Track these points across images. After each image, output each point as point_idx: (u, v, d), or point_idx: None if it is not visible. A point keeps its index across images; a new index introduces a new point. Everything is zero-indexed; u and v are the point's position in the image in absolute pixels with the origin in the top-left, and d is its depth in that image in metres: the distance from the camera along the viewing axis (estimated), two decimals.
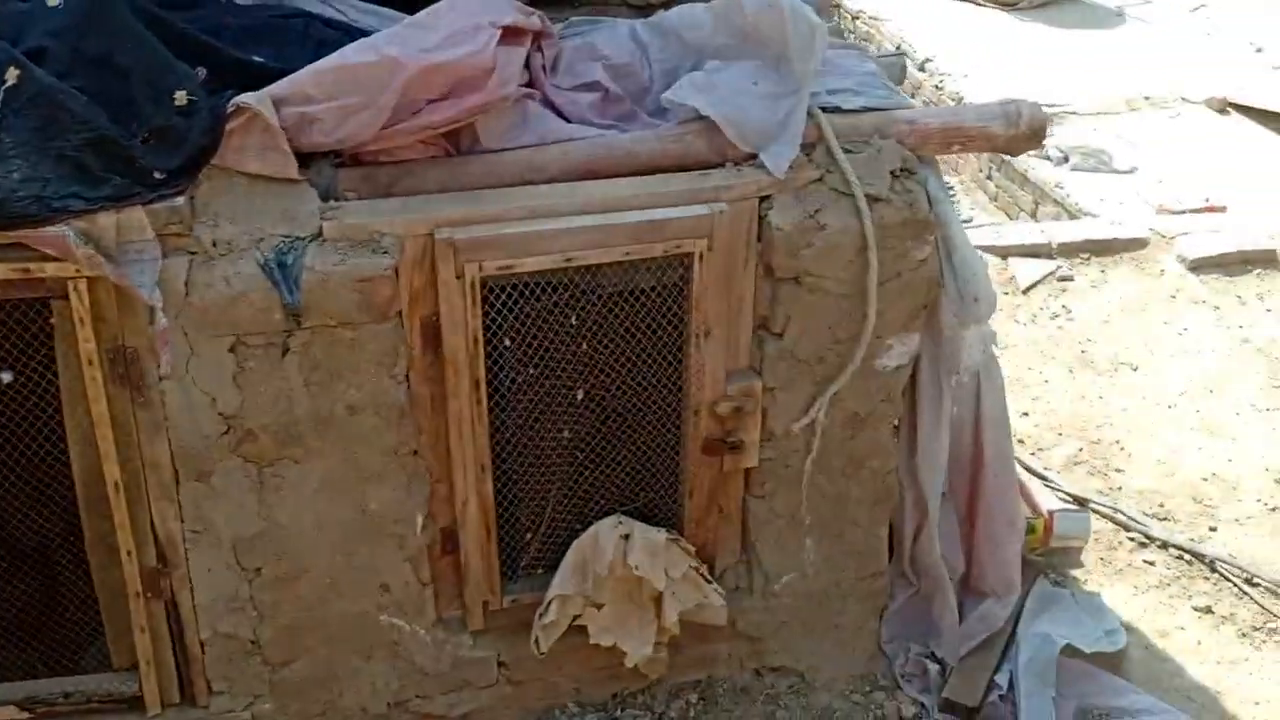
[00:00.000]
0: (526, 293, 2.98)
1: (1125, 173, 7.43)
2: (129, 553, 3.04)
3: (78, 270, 2.67)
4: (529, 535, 3.28)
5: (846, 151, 3.09)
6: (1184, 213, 6.46)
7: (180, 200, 2.74)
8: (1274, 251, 5.87)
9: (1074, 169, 7.42)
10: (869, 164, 3.09)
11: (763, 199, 3.08)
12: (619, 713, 3.62)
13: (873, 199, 3.06)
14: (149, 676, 3.22)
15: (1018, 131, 3.20)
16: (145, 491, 3.00)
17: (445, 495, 3.24)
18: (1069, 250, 6.03)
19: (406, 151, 2.99)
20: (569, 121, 3.13)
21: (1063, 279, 5.91)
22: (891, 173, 3.10)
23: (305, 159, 2.91)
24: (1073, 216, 6.88)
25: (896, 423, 3.46)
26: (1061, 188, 7.18)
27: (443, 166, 3.01)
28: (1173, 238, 5.95)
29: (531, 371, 3.05)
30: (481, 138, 3.02)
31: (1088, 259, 5.92)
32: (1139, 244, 5.95)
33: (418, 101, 2.89)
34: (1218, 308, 5.59)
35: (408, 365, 3.02)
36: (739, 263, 3.12)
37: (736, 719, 3.62)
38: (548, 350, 3.05)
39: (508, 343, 2.99)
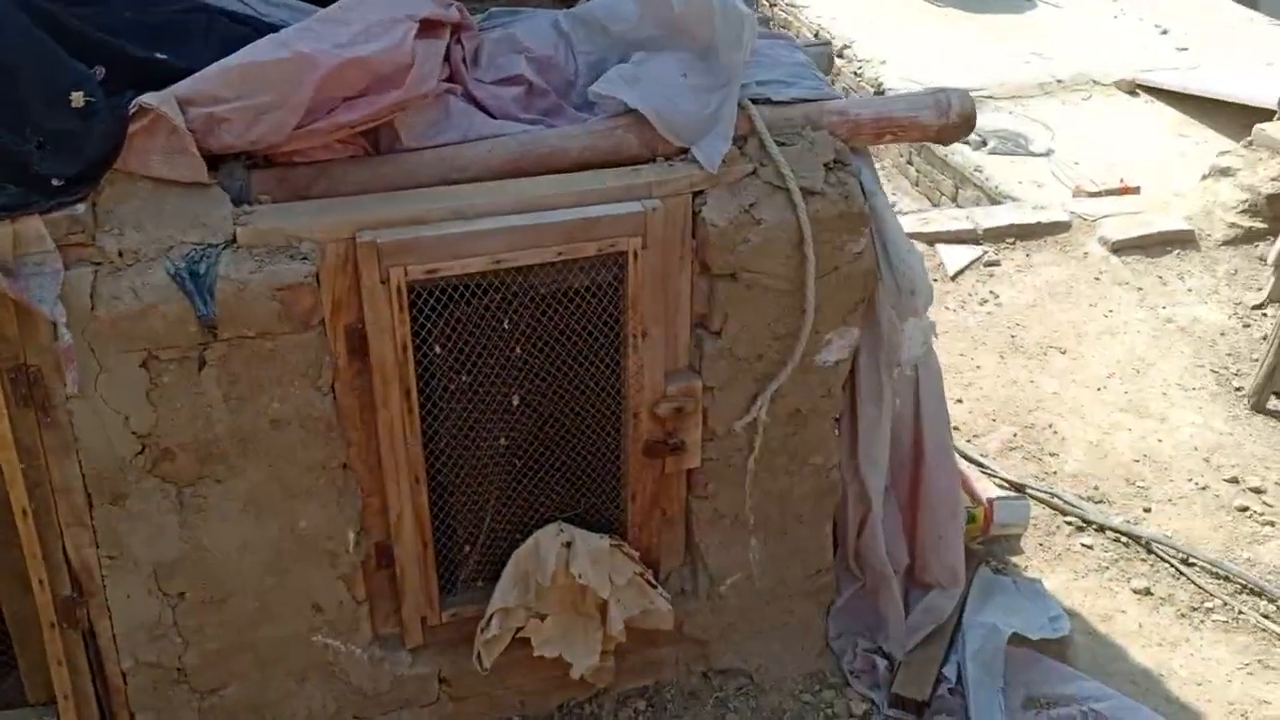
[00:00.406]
0: (455, 297, 2.86)
1: (1042, 155, 7.53)
2: (40, 582, 2.86)
3: None
4: (467, 548, 3.17)
5: (779, 144, 3.02)
6: (1100, 194, 6.54)
7: (81, 208, 2.57)
8: (1191, 232, 5.94)
9: (992, 152, 7.49)
10: (802, 156, 3.03)
11: (696, 194, 3.00)
12: None
13: (807, 192, 3.00)
14: (68, 711, 3.05)
15: (948, 121, 3.16)
16: (56, 517, 2.83)
17: (378, 508, 3.11)
18: (994, 235, 6.06)
19: (323, 152, 2.85)
20: (493, 117, 3.02)
21: (989, 264, 5.93)
22: (825, 165, 3.04)
23: (215, 161, 2.76)
24: (993, 200, 6.93)
25: (837, 417, 3.40)
26: (981, 171, 7.24)
27: (362, 167, 2.88)
28: (1095, 220, 6.00)
29: (464, 378, 2.94)
30: (402, 136, 2.90)
31: (1013, 243, 5.95)
32: (1062, 227, 5.99)
33: (333, 99, 2.75)
34: (1141, 289, 5.65)
35: (333, 375, 2.89)
36: (674, 260, 3.04)
37: None
38: (480, 356, 2.94)
39: (438, 350, 2.87)
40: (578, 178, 2.94)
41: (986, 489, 4.20)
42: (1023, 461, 4.64)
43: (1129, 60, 8.78)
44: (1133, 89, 8.47)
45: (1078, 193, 6.65)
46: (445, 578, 3.25)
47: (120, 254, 2.62)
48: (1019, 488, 4.46)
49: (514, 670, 3.35)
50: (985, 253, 5.97)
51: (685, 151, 3.01)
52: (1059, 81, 8.56)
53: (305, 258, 2.71)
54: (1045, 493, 4.44)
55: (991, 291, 5.72)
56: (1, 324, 2.58)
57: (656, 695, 3.61)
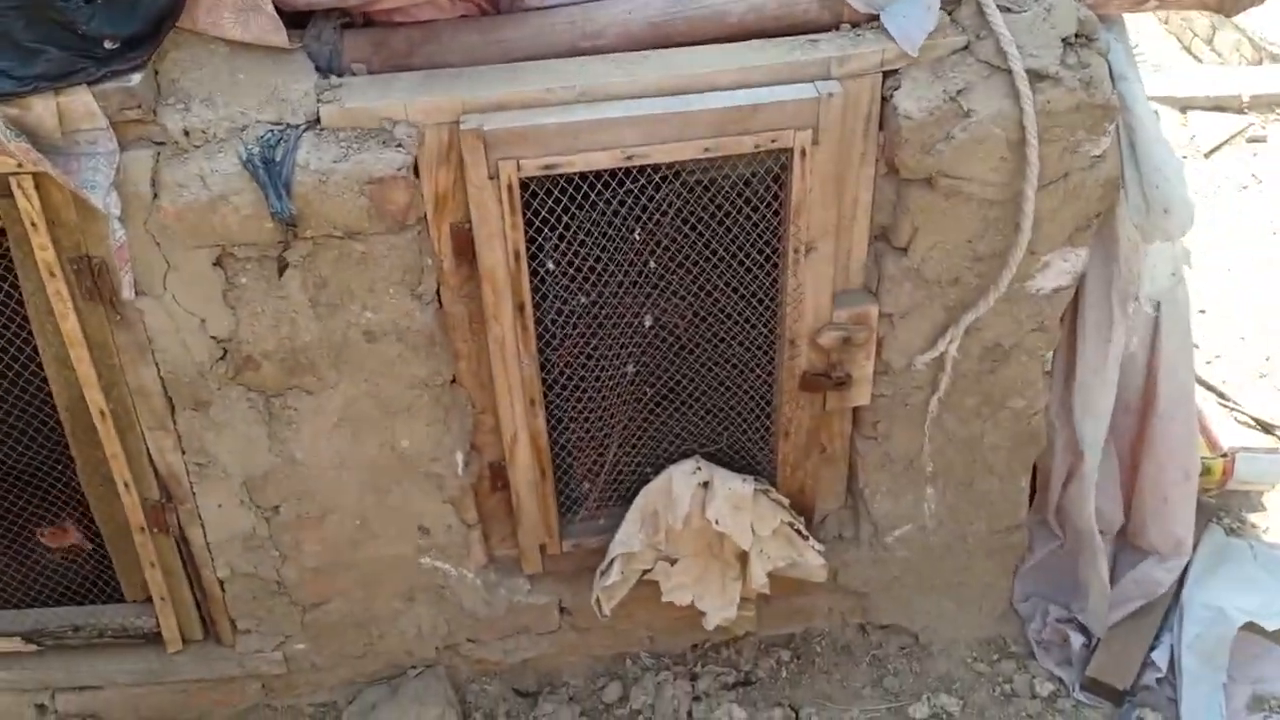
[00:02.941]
0: (578, 198, 2.36)
1: None
2: (125, 485, 2.63)
3: (19, 165, 2.15)
4: (587, 485, 2.75)
5: (1003, 10, 2.33)
6: None
7: (138, 77, 2.17)
8: None
9: None
10: (1033, 28, 2.33)
11: (887, 74, 2.36)
12: (699, 668, 3.15)
13: (1037, 76, 2.31)
14: (165, 613, 2.86)
15: None
16: (137, 420, 2.56)
17: (492, 426, 2.72)
18: (1262, 104, 5.03)
19: (430, 9, 2.36)
20: None
21: (1254, 140, 4.95)
22: (1064, 40, 2.34)
23: (299, 19, 2.31)
24: (1259, 54, 5.75)
25: (1050, 355, 2.77)
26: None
27: (474, 29, 2.37)
28: None
29: (587, 297, 2.46)
30: None
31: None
32: None
33: None
34: None
35: (436, 281, 2.46)
36: (853, 158, 2.43)
37: (836, 683, 3.11)
38: (607, 269, 2.45)
39: (550, 266, 2.39)
40: (736, 50, 2.35)
41: (1227, 432, 3.48)
42: (1275, 393, 3.85)
43: None
44: None
45: None
46: (565, 505, 2.86)
47: (186, 133, 2.23)
48: (1269, 428, 3.71)
49: (641, 606, 2.96)
50: (1251, 125, 4.98)
51: (876, 18, 2.37)
52: None
53: (400, 145, 2.26)
54: None
55: (1254, 175, 4.76)
56: (58, 207, 2.25)
57: (804, 646, 3.18)
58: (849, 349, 2.64)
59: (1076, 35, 2.34)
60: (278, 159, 2.20)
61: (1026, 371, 2.76)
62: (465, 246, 2.43)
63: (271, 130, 2.23)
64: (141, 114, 2.19)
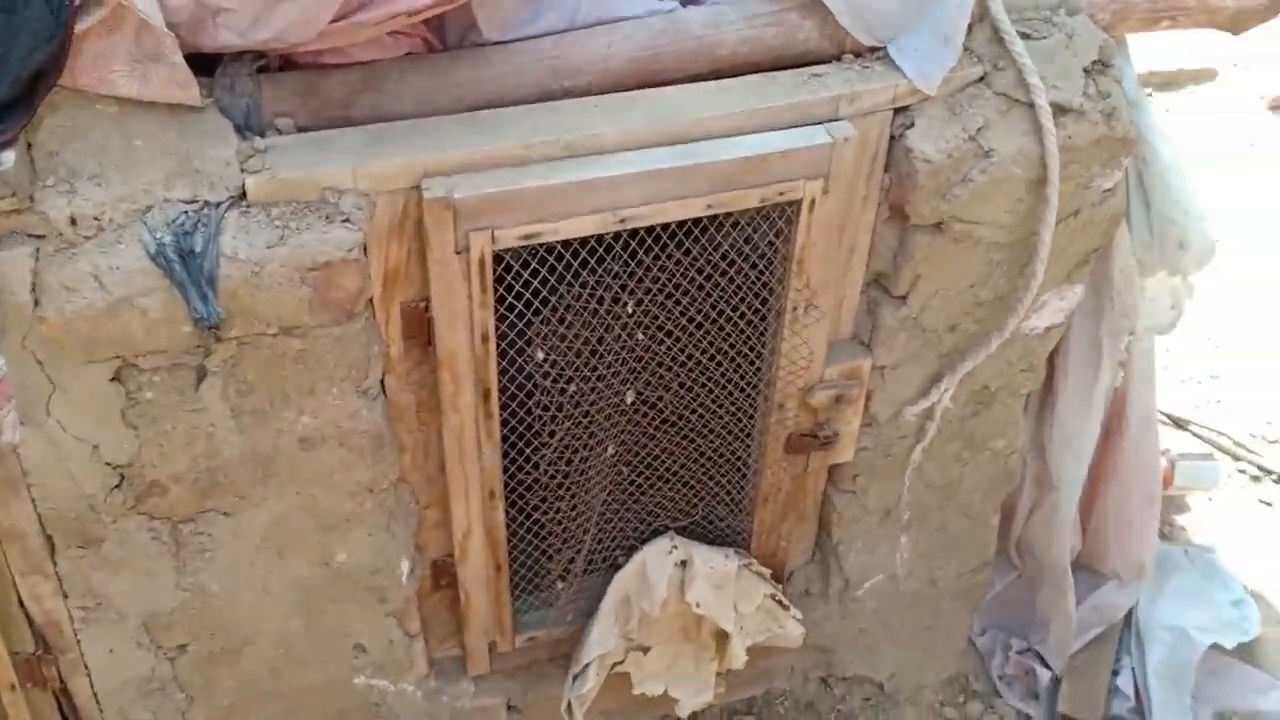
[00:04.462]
0: (561, 269, 1.99)
1: None
2: None
3: None
4: (559, 584, 2.40)
5: (1023, 37, 2.09)
6: None
7: (8, 156, 1.66)
8: None
9: None
10: (1055, 56, 2.11)
11: (898, 110, 2.10)
12: None
13: (1059, 109, 2.10)
14: None
15: (1250, 1, 2.23)
16: (7, 565, 2.04)
17: (436, 521, 2.34)
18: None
19: (369, 48, 1.92)
20: None
21: None
22: (1084, 69, 2.13)
23: (206, 64, 1.83)
24: None
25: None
26: None
27: (425, 71, 1.95)
28: (1244, 68, 5.03)
29: (572, 387, 2.10)
30: (480, 23, 1.96)
31: (1149, 94, 4.99)
32: (1207, 75, 5.02)
33: None
34: None
35: (384, 369, 2.05)
36: (856, 204, 2.16)
37: None
38: (589, 346, 2.09)
39: (540, 355, 2.02)
40: (735, 89, 2.03)
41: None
42: (1180, 385, 3.88)
43: None
44: None
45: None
46: (518, 593, 2.51)
47: (73, 222, 1.72)
48: (1180, 423, 3.72)
49: (602, 695, 2.64)
50: None
51: (881, 48, 2.09)
52: None
53: (348, 220, 1.83)
54: (1213, 430, 3.70)
55: None
56: None
57: (766, 708, 2.95)
58: (839, 406, 2.39)
59: (1096, 62, 2.13)
60: (197, 249, 1.74)
61: (1009, 412, 2.58)
62: (419, 329, 2.03)
63: (186, 212, 1.75)
64: (16, 202, 1.67)
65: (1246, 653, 3.10)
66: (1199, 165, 4.48)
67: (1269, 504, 3.52)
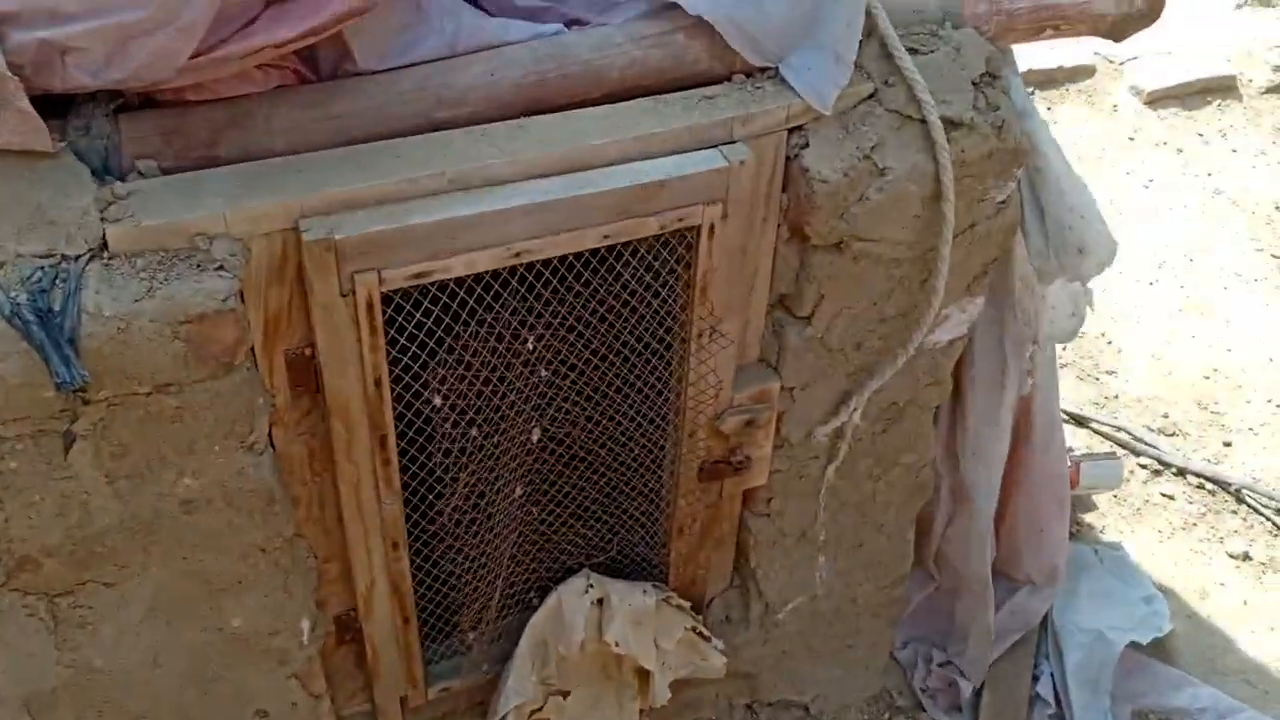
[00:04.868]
0: (456, 308, 1.91)
1: None
2: None
3: None
4: (471, 634, 2.31)
5: (911, 52, 2.07)
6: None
7: None
8: (1233, 79, 5.14)
9: None
10: (944, 70, 2.09)
11: (792, 130, 2.05)
12: None
13: (951, 124, 2.08)
14: None
15: (1130, 9, 2.24)
16: None
17: (338, 574, 2.22)
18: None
19: (234, 82, 1.81)
20: (489, 14, 2.00)
21: None
22: (972, 82, 2.11)
23: (57, 105, 1.71)
24: None
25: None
26: None
27: (298, 104, 1.85)
28: (1121, 64, 5.14)
29: (466, 420, 2.01)
30: (355, 52, 1.87)
31: (1031, 93, 5.07)
32: (1086, 72, 5.12)
33: (250, 5, 1.70)
34: (1181, 150, 4.87)
35: (270, 420, 1.94)
36: (756, 227, 2.11)
37: None
38: (490, 385, 2.01)
39: (437, 401, 1.93)
40: (626, 113, 1.96)
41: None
42: (1078, 383, 3.92)
43: None
44: None
45: None
46: (432, 645, 2.41)
47: None
48: (1080, 420, 3.76)
49: None
50: None
51: (772, 68, 2.05)
52: None
53: (222, 267, 1.72)
54: (1110, 426, 3.75)
55: None
56: None
57: None
58: (750, 431, 2.33)
59: (984, 75, 2.12)
60: (56, 307, 1.61)
61: (919, 426, 2.56)
62: (306, 377, 1.92)
63: (41, 268, 1.63)
64: None
65: (1160, 648, 3.14)
66: (1082, 162, 4.61)
67: (1171, 497, 3.57)
